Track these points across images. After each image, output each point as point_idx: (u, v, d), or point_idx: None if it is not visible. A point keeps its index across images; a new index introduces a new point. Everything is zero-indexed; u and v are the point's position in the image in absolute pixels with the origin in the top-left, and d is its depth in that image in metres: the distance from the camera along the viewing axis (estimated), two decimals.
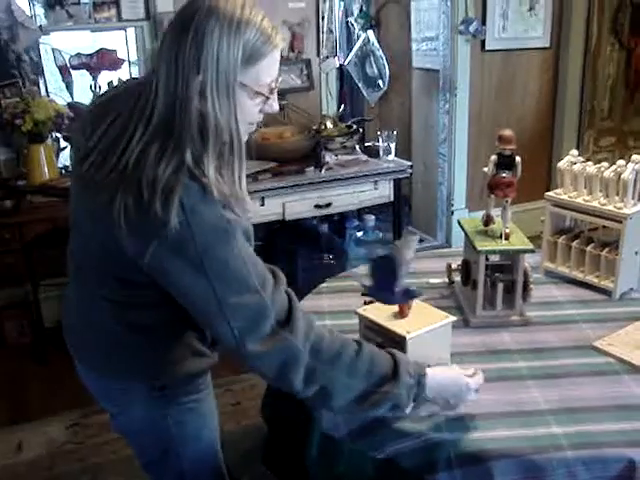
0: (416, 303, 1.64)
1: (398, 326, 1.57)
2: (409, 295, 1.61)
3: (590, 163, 2.24)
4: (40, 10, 3.57)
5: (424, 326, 1.57)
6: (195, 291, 1.30)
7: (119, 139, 1.32)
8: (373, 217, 4.35)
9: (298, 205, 3.74)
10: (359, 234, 4.36)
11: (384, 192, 3.96)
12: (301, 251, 4.21)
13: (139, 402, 1.57)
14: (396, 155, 4.05)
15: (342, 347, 1.40)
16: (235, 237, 1.32)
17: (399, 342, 1.56)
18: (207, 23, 1.26)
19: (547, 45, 4.96)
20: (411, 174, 4.17)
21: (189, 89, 1.27)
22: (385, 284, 1.60)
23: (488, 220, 2.06)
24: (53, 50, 3.84)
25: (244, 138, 1.39)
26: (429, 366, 1.51)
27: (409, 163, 4.09)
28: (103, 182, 1.31)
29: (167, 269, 1.29)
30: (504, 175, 1.99)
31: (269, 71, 1.35)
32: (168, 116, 1.29)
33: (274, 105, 1.41)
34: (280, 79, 1.41)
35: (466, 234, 2.08)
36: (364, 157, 4.03)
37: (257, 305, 1.32)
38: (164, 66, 1.30)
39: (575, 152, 2.30)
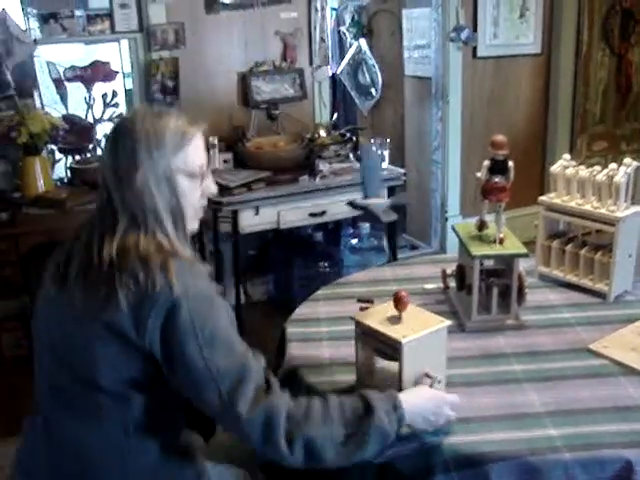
0: (412, 307, 1.64)
1: (394, 331, 1.57)
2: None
3: (583, 167, 2.26)
4: (34, 24, 3.58)
5: (420, 330, 1.58)
6: (187, 356, 1.39)
7: (91, 245, 1.46)
8: (367, 225, 4.35)
9: (292, 214, 3.75)
10: (354, 242, 4.36)
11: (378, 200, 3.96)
12: (296, 260, 4.22)
13: None
14: (390, 163, 4.06)
15: (309, 403, 1.46)
16: (223, 307, 1.47)
17: (395, 347, 1.56)
18: (132, 139, 1.45)
19: (538, 51, 4.99)
20: (405, 181, 4.18)
21: (135, 185, 1.45)
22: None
23: (482, 225, 2.07)
24: (48, 63, 3.86)
25: (192, 223, 1.57)
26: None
27: (402, 170, 4.10)
28: (93, 285, 1.42)
29: (165, 337, 1.39)
30: (497, 180, 2.00)
31: (195, 156, 1.52)
32: (129, 211, 1.46)
33: (212, 186, 1.58)
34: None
35: (460, 239, 2.09)
36: (358, 165, 4.03)
37: (242, 367, 1.41)
38: (110, 176, 1.48)
39: (567, 156, 2.32)
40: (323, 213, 3.83)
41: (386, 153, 4.01)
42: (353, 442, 1.43)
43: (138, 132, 1.46)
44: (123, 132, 1.48)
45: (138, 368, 1.44)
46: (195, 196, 1.54)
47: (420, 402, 1.52)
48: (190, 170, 1.50)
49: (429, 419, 1.53)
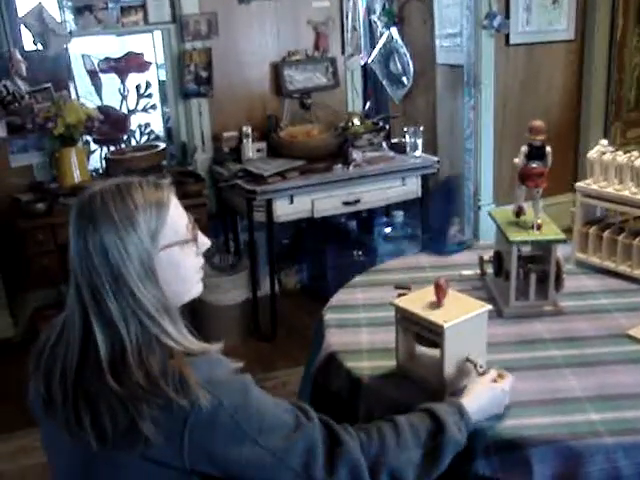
0: (451, 293, 1.65)
1: (435, 316, 1.58)
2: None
3: (620, 152, 2.24)
4: (70, 16, 3.64)
5: (461, 315, 1.58)
6: (245, 457, 1.26)
7: (65, 369, 1.29)
8: (401, 213, 4.35)
9: (326, 202, 3.76)
10: (387, 230, 4.36)
11: (412, 188, 3.98)
12: (330, 248, 4.24)
13: None
14: (422, 151, 4.06)
15: (380, 432, 1.41)
16: (254, 385, 1.31)
17: (437, 332, 1.57)
18: (100, 236, 1.23)
19: (572, 37, 4.93)
20: (438, 170, 4.18)
21: (118, 291, 1.24)
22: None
23: (519, 211, 2.07)
24: (82, 55, 3.91)
25: (196, 287, 1.39)
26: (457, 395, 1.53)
27: (436, 159, 4.09)
28: (96, 417, 1.23)
29: (209, 450, 1.25)
30: (535, 165, 2.00)
31: (179, 219, 1.32)
32: (118, 322, 1.24)
33: (205, 240, 1.38)
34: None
35: (498, 225, 2.09)
36: (391, 153, 4.04)
37: (301, 434, 1.31)
38: (82, 281, 1.27)
39: (605, 141, 2.30)
40: (357, 202, 3.84)
41: (419, 141, 4.00)
42: (431, 460, 1.42)
43: (104, 224, 1.23)
44: (86, 227, 1.24)
45: None
46: (194, 261, 1.36)
47: (484, 401, 1.53)
48: (181, 238, 1.31)
49: (491, 412, 1.55)
